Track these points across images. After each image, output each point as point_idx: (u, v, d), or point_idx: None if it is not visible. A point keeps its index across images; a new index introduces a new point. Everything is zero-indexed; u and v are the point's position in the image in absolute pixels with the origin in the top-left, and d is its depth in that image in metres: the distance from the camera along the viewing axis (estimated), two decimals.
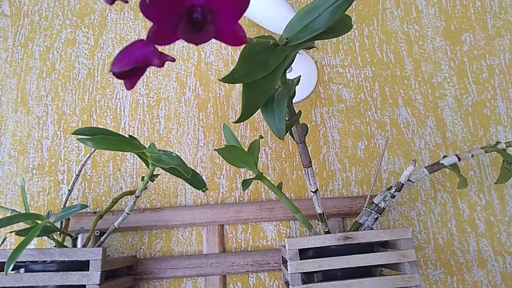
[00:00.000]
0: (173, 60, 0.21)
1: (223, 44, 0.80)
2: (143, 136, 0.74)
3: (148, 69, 0.83)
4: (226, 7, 0.20)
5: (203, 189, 0.48)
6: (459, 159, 0.56)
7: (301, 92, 0.75)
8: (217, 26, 0.20)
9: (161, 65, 0.21)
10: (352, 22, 0.82)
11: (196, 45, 0.20)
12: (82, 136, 0.40)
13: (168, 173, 0.60)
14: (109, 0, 0.18)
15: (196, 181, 0.47)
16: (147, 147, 0.47)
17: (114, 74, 0.21)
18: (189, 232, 0.69)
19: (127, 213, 0.53)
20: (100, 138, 0.40)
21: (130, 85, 0.22)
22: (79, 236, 0.66)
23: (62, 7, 0.82)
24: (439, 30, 0.81)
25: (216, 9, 0.20)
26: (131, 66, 0.20)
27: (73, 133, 0.43)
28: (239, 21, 0.21)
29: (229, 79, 0.36)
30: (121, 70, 0.20)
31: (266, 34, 0.80)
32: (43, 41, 0.80)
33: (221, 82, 0.76)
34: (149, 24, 0.19)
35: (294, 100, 0.75)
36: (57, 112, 0.75)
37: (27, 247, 0.50)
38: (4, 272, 0.43)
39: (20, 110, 0.75)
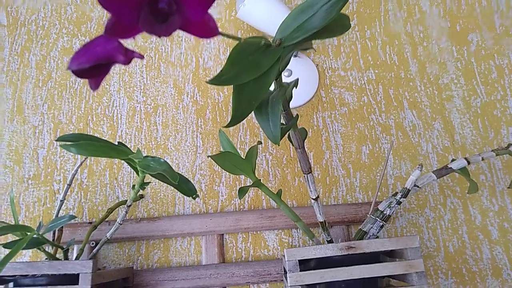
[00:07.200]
0: (142, 57, 0.19)
1: (221, 49, 0.78)
2: (140, 143, 0.72)
3: (145, 76, 0.81)
4: None
5: (194, 196, 0.46)
6: (469, 163, 0.53)
7: (302, 97, 0.73)
8: (185, 17, 0.18)
9: (126, 62, 0.19)
10: (354, 24, 0.80)
11: (159, 37, 0.18)
12: (65, 142, 0.38)
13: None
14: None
15: (186, 187, 0.45)
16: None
17: (73, 72, 0.19)
18: (188, 242, 0.66)
19: (119, 223, 0.51)
20: (84, 144, 0.38)
21: (94, 85, 0.20)
22: (75, 248, 0.64)
23: (59, 16, 0.81)
24: (444, 30, 0.79)
25: None
26: (91, 63, 0.18)
27: (56, 140, 0.41)
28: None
29: (217, 81, 0.33)
30: (80, 67, 0.18)
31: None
32: (39, 50, 0.79)
33: (220, 88, 0.75)
34: None
35: (295, 105, 0.73)
36: (53, 121, 0.74)
37: (16, 261, 0.49)
38: None
39: (16, 120, 0.74)
